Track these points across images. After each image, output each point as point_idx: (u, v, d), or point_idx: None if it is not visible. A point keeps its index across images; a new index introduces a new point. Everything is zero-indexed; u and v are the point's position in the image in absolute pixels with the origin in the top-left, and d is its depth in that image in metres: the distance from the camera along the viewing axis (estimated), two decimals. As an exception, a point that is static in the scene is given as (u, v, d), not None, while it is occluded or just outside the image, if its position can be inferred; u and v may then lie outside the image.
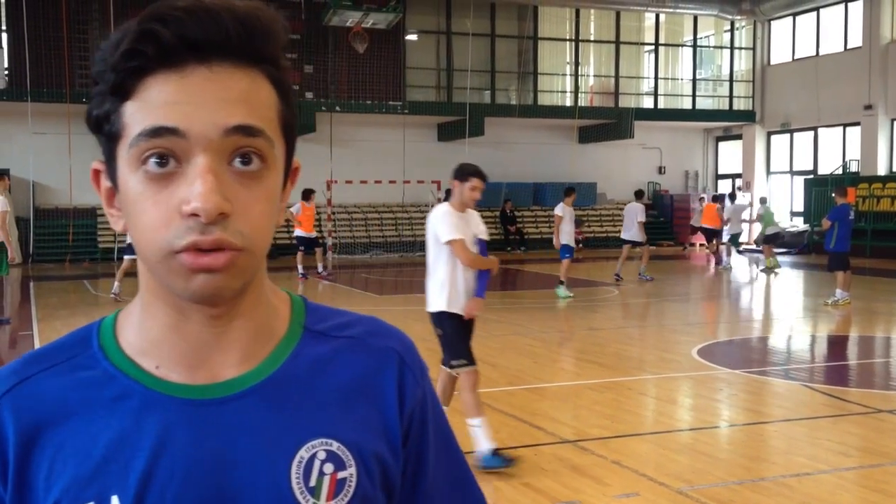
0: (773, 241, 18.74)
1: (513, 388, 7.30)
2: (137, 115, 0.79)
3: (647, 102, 27.08)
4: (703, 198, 22.45)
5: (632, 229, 16.12)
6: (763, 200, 20.10)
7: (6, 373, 0.88)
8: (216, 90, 0.79)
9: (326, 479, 0.86)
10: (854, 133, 23.88)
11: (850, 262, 12.61)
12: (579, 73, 26.34)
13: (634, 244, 16.24)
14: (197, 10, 0.78)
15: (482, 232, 5.32)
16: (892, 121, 23.07)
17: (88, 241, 21.01)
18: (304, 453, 0.85)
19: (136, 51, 0.78)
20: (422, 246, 24.79)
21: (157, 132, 0.78)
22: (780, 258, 21.70)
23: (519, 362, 8.38)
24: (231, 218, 0.79)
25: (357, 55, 22.23)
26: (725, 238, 19.32)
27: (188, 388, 0.85)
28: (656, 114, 26.76)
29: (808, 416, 6.41)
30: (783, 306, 13.43)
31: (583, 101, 26.02)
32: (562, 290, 13.37)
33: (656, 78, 27.18)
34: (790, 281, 17.47)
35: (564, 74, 26.58)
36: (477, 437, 5.01)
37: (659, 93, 27.20)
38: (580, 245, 22.49)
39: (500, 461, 4.96)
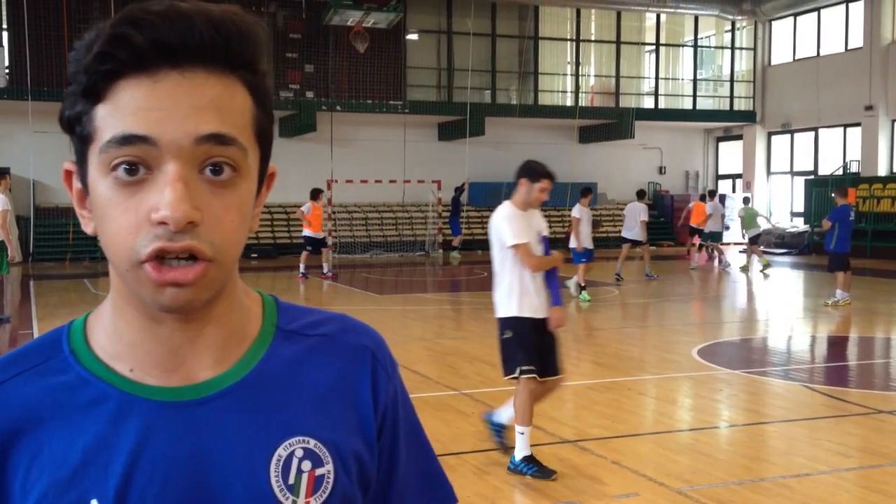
0: (756, 241, 18.91)
1: (513, 388, 7.29)
2: (108, 119, 0.78)
3: (648, 102, 27.08)
4: (703, 196, 22.47)
5: (634, 228, 16.05)
6: (745, 201, 20.14)
7: None
8: (188, 96, 0.78)
9: (305, 477, 0.86)
10: (855, 134, 23.87)
11: (850, 263, 12.61)
12: (580, 72, 26.34)
13: (635, 243, 16.23)
14: (171, 15, 0.77)
15: (544, 228, 5.14)
16: (893, 121, 23.06)
17: (89, 240, 20.98)
18: (282, 451, 0.86)
19: (109, 54, 0.77)
20: (422, 246, 24.90)
21: (127, 139, 0.77)
22: (781, 258, 21.69)
23: (519, 362, 8.37)
24: (201, 227, 0.78)
25: (358, 55, 22.23)
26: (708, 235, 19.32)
27: (164, 390, 0.85)
28: (657, 114, 26.76)
29: (807, 416, 6.41)
30: (783, 307, 13.43)
31: (583, 101, 26.02)
32: (584, 295, 12.88)
33: (657, 78, 27.18)
34: (790, 281, 17.47)
35: (565, 74, 26.59)
36: (518, 443, 4.97)
37: (659, 93, 27.19)
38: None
39: (533, 469, 4.90)
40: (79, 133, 0.82)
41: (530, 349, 4.94)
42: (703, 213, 19.02)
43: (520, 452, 4.95)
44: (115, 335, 0.87)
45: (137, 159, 0.77)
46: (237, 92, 0.81)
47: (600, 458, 5.26)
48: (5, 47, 20.37)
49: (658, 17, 26.62)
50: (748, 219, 18.88)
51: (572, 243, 13.23)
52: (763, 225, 19.96)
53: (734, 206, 23.02)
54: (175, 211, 0.76)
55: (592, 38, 26.89)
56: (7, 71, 20.19)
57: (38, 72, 19.86)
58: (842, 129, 24.32)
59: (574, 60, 26.28)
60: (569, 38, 26.40)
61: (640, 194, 16.89)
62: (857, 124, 23.58)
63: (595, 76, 27.18)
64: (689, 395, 7.29)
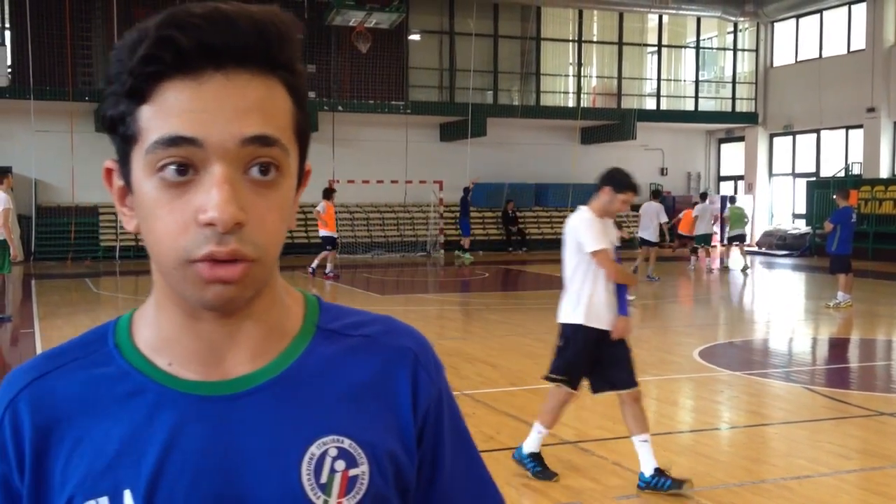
0: (735, 241, 19.26)
1: (514, 388, 7.30)
2: (154, 121, 0.79)
3: (650, 104, 27.07)
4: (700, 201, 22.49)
5: (649, 228, 15.93)
6: (732, 200, 20.30)
7: (25, 369, 0.91)
8: (233, 98, 0.79)
9: (338, 476, 0.86)
10: (857, 136, 23.86)
11: (851, 265, 12.60)
12: (582, 73, 26.34)
13: (648, 244, 16.14)
14: (215, 17, 0.78)
15: (616, 238, 4.99)
16: (895, 123, 23.04)
17: (90, 240, 21.02)
18: (314, 450, 0.86)
19: (155, 56, 0.78)
20: (423, 246, 24.87)
21: (174, 141, 0.78)
22: (782, 260, 21.69)
23: (520, 363, 8.38)
24: (246, 227, 0.79)
25: (360, 55, 22.23)
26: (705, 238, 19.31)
27: (200, 384, 0.86)
28: (659, 115, 26.75)
29: (808, 418, 6.41)
30: (784, 308, 13.42)
31: (585, 102, 26.01)
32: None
33: (659, 79, 27.17)
34: (792, 283, 17.46)
35: (567, 75, 26.58)
36: (531, 437, 4.96)
37: (661, 94, 27.18)
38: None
39: (537, 468, 4.88)
40: (121, 133, 0.83)
41: (577, 362, 4.86)
42: (690, 221, 19.09)
43: (529, 447, 4.95)
44: (156, 330, 0.89)
45: (185, 160, 0.79)
46: (278, 93, 0.82)
47: (601, 460, 5.25)
48: (8, 46, 20.37)
49: (660, 18, 26.61)
50: (734, 218, 19.24)
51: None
52: (746, 226, 20.07)
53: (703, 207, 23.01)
54: (223, 213, 0.77)
55: (594, 39, 26.88)
56: (9, 70, 20.19)
57: (41, 71, 19.87)
58: (844, 130, 24.30)
59: (576, 61, 26.28)
60: (571, 38, 26.40)
61: (656, 194, 16.64)
62: (860, 126, 23.56)
63: (597, 77, 27.17)
64: (690, 397, 7.28)
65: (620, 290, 4.92)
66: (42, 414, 0.87)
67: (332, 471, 0.86)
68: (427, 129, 24.59)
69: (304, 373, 0.89)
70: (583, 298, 4.84)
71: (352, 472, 0.86)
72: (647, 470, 4.70)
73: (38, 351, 8.89)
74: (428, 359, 0.95)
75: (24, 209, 19.44)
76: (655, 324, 11.65)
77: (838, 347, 10.08)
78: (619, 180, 4.86)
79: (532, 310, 12.70)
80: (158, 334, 0.89)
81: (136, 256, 21.02)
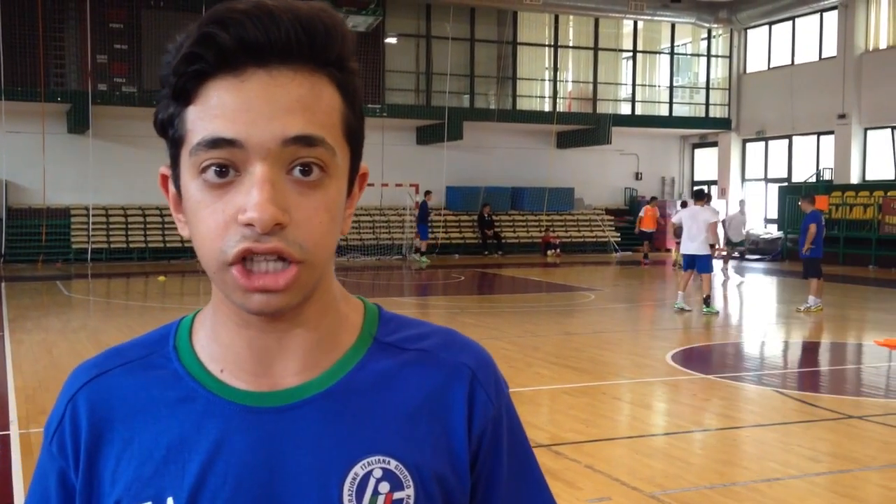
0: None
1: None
2: (198, 122, 0.78)
3: (625, 109, 27.26)
4: (681, 202, 22.78)
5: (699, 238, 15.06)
6: (684, 205, 20.81)
7: (89, 365, 0.91)
8: (275, 96, 0.77)
9: (381, 499, 0.82)
10: (828, 142, 24.15)
11: (822, 269, 12.76)
12: (558, 78, 26.46)
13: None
14: (257, 13, 0.76)
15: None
16: (866, 130, 23.36)
17: (61, 242, 20.80)
18: (359, 470, 0.83)
19: (196, 54, 0.77)
20: (399, 249, 24.82)
21: (215, 142, 0.77)
22: (754, 265, 21.96)
23: (495, 366, 8.38)
24: (289, 229, 0.77)
25: (336, 58, 22.17)
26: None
27: (248, 394, 0.85)
28: (634, 120, 26.94)
29: (779, 421, 6.47)
30: (756, 312, 13.55)
31: (561, 107, 26.14)
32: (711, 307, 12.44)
33: (634, 84, 27.36)
34: (764, 287, 17.64)
35: (543, 80, 26.69)
36: None
37: (636, 99, 27.37)
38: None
39: None
40: (171, 136, 0.81)
41: None
42: (653, 218, 19.44)
43: None
44: (212, 335, 0.88)
45: (226, 161, 0.77)
46: (325, 90, 0.80)
47: (574, 463, 5.28)
48: (-21, 46, 20.12)
49: (635, 24, 26.80)
50: None
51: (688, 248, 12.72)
52: None
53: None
54: (263, 212, 0.75)
55: (570, 44, 27.02)
56: (-20, 70, 19.94)
57: (12, 71, 19.64)
58: (815, 136, 24.60)
59: (552, 66, 26.40)
60: (547, 43, 26.52)
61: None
62: (831, 132, 23.86)
63: (573, 82, 27.31)
64: (663, 400, 7.34)
65: None
66: (98, 413, 0.87)
67: (376, 493, 0.82)
68: (403, 133, 24.58)
69: (355, 388, 0.86)
70: None
71: (396, 495, 0.83)
72: None
73: (8, 356, 8.80)
74: (487, 376, 0.90)
75: (-5, 210, 19.20)
76: (628, 327, 11.72)
77: (809, 351, 10.19)
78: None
79: (507, 313, 12.74)
80: (213, 340, 0.88)
81: (108, 259, 20.83)
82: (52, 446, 0.89)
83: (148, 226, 21.68)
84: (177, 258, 21.29)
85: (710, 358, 9.55)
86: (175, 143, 0.81)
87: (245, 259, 0.77)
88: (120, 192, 21.64)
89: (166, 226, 21.84)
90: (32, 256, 20.20)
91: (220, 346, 0.87)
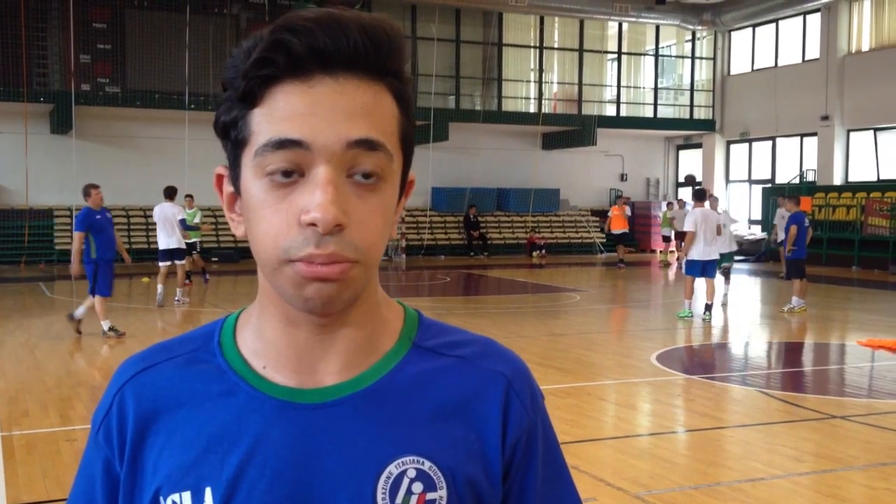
0: (667, 241, 20.79)
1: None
2: (264, 123, 0.80)
3: (610, 110, 27.34)
4: (669, 205, 22.85)
5: (727, 239, 13.56)
6: (669, 206, 21.26)
7: (136, 359, 0.94)
8: (341, 102, 0.80)
9: (414, 499, 0.84)
10: (811, 143, 24.32)
11: (805, 270, 12.84)
12: (543, 79, 26.51)
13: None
14: (327, 22, 0.79)
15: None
16: (848, 132, 23.53)
17: (45, 243, 20.66)
18: (393, 469, 0.85)
19: (268, 59, 0.79)
20: (385, 251, 24.66)
21: (282, 144, 0.79)
22: (738, 265, 22.09)
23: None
24: (346, 230, 0.79)
25: (321, 58, 22.14)
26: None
27: (289, 390, 0.87)
28: (619, 121, 27.03)
29: (764, 421, 6.51)
30: (740, 313, 13.61)
31: (546, 108, 26.19)
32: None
33: (619, 86, 27.45)
34: (748, 288, 17.73)
35: (528, 81, 26.74)
36: None
37: (621, 101, 27.47)
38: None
39: None
40: (234, 137, 0.83)
41: None
42: (621, 218, 19.54)
43: None
44: (257, 331, 0.90)
45: (292, 164, 0.79)
46: (385, 99, 0.83)
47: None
48: (-40, 45, 19.97)
49: (620, 25, 26.90)
50: (665, 221, 20.78)
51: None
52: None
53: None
54: (325, 213, 0.77)
55: (556, 45, 27.09)
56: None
57: (-6, 71, 19.51)
58: (798, 138, 24.76)
59: (537, 67, 26.46)
60: (532, 45, 26.57)
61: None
62: (814, 134, 24.02)
63: (558, 83, 27.38)
64: (648, 401, 7.36)
65: None
66: (144, 405, 0.90)
67: (409, 492, 0.84)
68: (389, 134, 24.53)
69: (392, 389, 0.88)
70: None
71: (429, 495, 0.85)
72: None
73: (-9, 356, 8.71)
74: (523, 386, 0.92)
75: (-23, 211, 19.04)
76: (614, 328, 11.75)
77: (793, 352, 10.25)
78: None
79: (493, 314, 12.75)
80: (258, 337, 0.90)
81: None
82: (98, 436, 0.92)
83: (132, 227, 21.56)
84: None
85: (694, 359, 9.59)
86: (237, 145, 0.83)
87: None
88: (103, 193, 21.48)
89: (150, 227, 21.73)
90: (15, 258, 20.05)
91: (264, 343, 0.89)
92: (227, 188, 0.88)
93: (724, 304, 13.50)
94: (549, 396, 7.30)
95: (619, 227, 21.33)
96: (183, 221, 13.11)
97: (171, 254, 13.02)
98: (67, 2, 19.05)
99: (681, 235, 19.57)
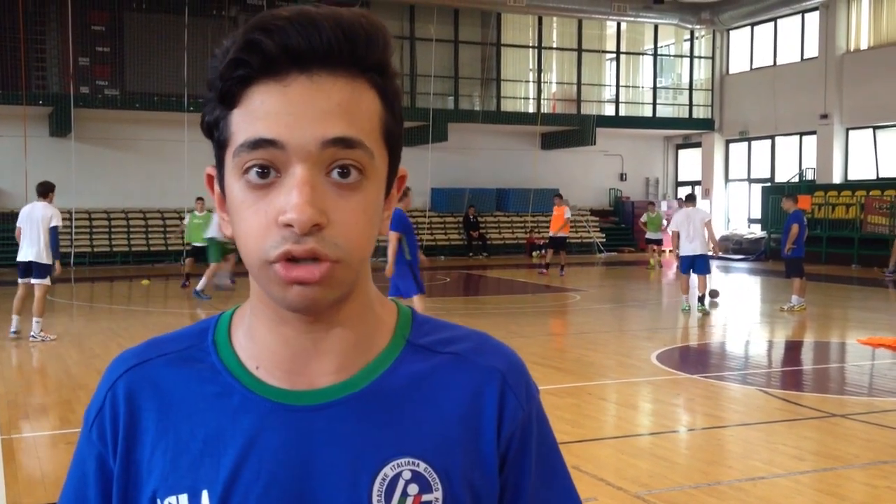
0: (652, 243, 20.75)
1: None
2: (242, 124, 0.80)
3: (609, 110, 27.34)
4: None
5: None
6: (650, 207, 21.62)
7: (129, 355, 0.93)
8: (316, 100, 0.79)
9: (410, 501, 0.84)
10: (810, 142, 24.31)
11: (804, 269, 12.84)
12: (542, 79, 26.51)
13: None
14: (300, 19, 0.79)
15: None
16: (848, 130, 23.53)
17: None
18: (388, 471, 0.84)
19: (241, 60, 0.79)
20: (383, 251, 24.76)
21: (257, 143, 0.79)
22: (738, 264, 22.07)
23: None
24: (326, 229, 0.79)
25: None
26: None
27: (283, 392, 0.86)
28: (618, 121, 27.03)
29: (764, 420, 6.51)
30: (740, 312, 13.62)
31: (545, 108, 26.19)
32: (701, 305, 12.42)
33: (618, 86, 27.45)
34: (747, 287, 17.73)
35: (527, 81, 26.74)
36: None
37: (620, 100, 27.47)
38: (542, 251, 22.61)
39: None
40: (216, 138, 0.84)
41: None
42: (561, 219, 18.27)
43: None
44: (249, 332, 0.90)
45: (267, 162, 0.79)
46: (365, 95, 0.82)
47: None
48: (-41, 49, 19.97)
49: (618, 25, 26.90)
50: (650, 223, 20.60)
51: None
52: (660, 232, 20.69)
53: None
54: (301, 213, 0.77)
55: (554, 45, 27.09)
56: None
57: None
58: (798, 137, 24.76)
59: (536, 67, 26.46)
60: (531, 45, 26.57)
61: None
62: (813, 133, 24.02)
63: (557, 83, 27.38)
64: (649, 400, 7.36)
65: None
66: (135, 401, 0.89)
67: (405, 494, 0.84)
68: (388, 135, 24.54)
69: (387, 390, 0.87)
70: None
71: (425, 497, 0.84)
72: None
73: (-9, 359, 8.71)
74: (517, 380, 0.91)
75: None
76: (614, 327, 11.76)
77: (792, 350, 10.25)
78: None
79: (493, 314, 12.75)
80: (250, 337, 0.89)
81: (91, 263, 20.70)
82: (91, 433, 0.92)
83: (131, 229, 21.56)
84: (160, 262, 21.20)
85: (694, 358, 9.59)
86: (220, 145, 0.84)
87: (287, 259, 0.80)
88: (103, 196, 21.52)
89: (150, 229, 21.74)
90: (14, 260, 20.02)
91: (256, 344, 0.89)
92: (217, 188, 0.88)
93: (712, 295, 13.39)
94: (550, 396, 7.31)
95: (555, 228, 18.70)
96: (55, 229, 10.27)
97: (28, 269, 10.17)
98: (66, 5, 19.05)
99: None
